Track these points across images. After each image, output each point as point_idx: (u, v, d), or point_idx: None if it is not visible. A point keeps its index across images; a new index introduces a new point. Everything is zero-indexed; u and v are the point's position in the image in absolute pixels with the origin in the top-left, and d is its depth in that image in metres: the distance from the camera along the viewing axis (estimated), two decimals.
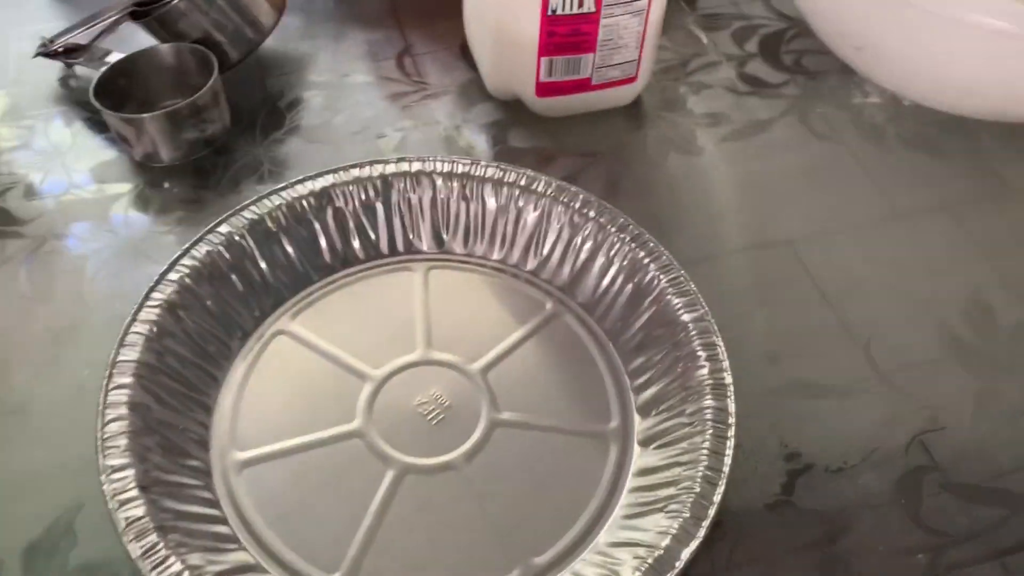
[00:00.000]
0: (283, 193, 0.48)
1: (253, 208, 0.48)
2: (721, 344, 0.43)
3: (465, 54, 0.63)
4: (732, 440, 0.39)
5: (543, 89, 0.56)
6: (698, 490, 0.38)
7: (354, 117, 0.60)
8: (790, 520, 0.41)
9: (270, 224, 0.48)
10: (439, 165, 0.50)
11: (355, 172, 0.49)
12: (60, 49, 0.60)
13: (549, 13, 0.51)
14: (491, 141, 0.58)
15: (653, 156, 0.58)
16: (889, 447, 0.44)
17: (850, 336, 0.48)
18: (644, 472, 0.41)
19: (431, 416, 0.43)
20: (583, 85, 0.56)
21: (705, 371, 0.42)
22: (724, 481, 0.38)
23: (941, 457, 0.43)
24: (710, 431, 0.40)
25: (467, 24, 0.61)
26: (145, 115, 0.53)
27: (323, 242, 0.49)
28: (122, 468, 0.38)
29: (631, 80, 0.57)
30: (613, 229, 0.47)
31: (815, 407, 0.45)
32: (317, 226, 0.49)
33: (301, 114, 0.60)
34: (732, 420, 0.40)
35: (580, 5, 0.51)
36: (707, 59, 0.64)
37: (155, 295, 0.44)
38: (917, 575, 0.39)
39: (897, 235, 0.53)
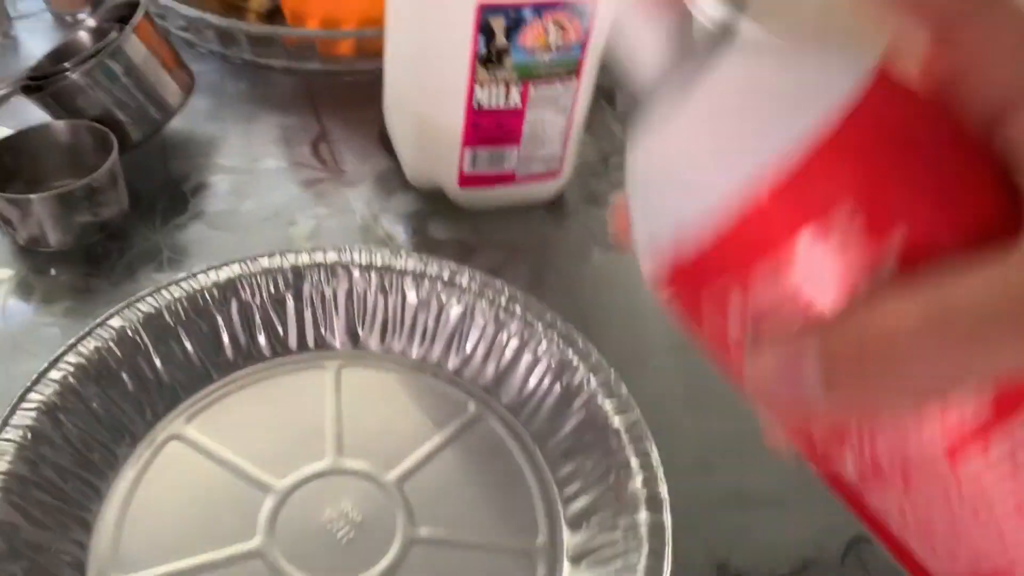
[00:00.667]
0: (183, 284, 0.44)
1: (149, 299, 0.44)
2: (655, 452, 0.40)
3: (383, 142, 0.62)
4: (670, 558, 0.37)
5: (466, 180, 0.54)
6: None
7: (264, 203, 0.57)
8: None
9: (168, 317, 0.43)
10: (356, 256, 0.47)
11: (264, 262, 0.46)
12: None
13: (474, 107, 0.50)
14: (410, 231, 0.56)
15: (577, 251, 0.56)
16: (824, 558, 0.42)
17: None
18: None
19: (341, 533, 0.39)
20: (507, 178, 0.55)
21: (639, 481, 0.39)
22: None
23: (876, 568, 0.41)
24: (646, 548, 0.37)
25: (387, 112, 0.60)
26: (32, 196, 0.48)
27: (226, 337, 0.45)
28: None
29: (554, 175, 0.56)
30: (540, 326, 0.45)
31: (748, 518, 0.43)
32: (220, 320, 0.45)
33: (206, 199, 0.56)
34: (669, 536, 0.37)
35: (506, 99, 0.50)
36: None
37: (32, 396, 0.39)
38: None
39: None
